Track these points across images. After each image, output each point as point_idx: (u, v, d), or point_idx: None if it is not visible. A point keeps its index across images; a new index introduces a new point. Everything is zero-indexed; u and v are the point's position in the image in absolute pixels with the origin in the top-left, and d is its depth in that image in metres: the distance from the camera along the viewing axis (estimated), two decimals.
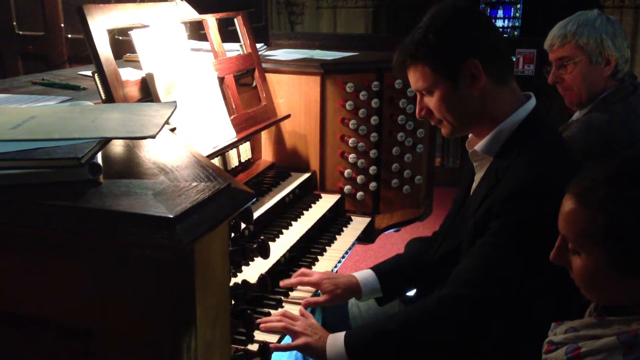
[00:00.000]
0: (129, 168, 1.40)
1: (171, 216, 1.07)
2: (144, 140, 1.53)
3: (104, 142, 1.32)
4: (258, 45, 2.87)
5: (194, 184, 1.24)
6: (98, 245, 1.13)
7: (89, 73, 2.44)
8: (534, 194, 1.68)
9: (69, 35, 5.13)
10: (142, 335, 1.13)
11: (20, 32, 5.29)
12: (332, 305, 2.22)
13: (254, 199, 1.28)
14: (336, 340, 1.83)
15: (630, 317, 1.37)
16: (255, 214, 2.32)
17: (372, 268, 2.19)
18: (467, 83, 1.79)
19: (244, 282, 1.54)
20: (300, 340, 1.85)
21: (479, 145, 1.88)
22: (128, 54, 2.87)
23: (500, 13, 10.41)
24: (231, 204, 1.22)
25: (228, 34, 2.85)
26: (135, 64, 2.29)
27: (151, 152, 1.47)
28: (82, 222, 1.10)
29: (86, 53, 2.00)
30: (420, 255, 2.19)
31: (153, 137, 1.34)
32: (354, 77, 2.82)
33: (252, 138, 2.69)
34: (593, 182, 1.35)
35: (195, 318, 1.15)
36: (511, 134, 1.81)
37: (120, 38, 3.13)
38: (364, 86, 2.82)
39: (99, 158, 1.29)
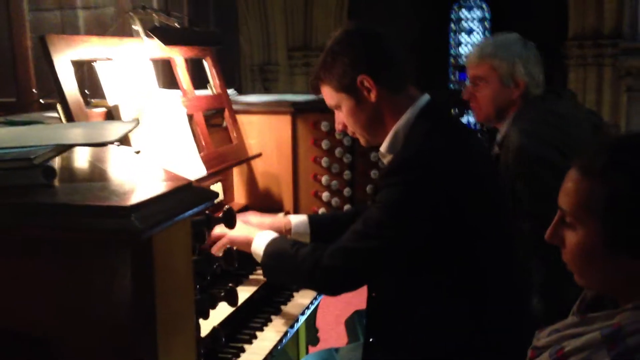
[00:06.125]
0: (88, 176, 1.35)
1: (126, 204, 1.02)
2: (106, 155, 1.49)
3: (61, 148, 1.28)
4: (229, 91, 2.87)
5: (155, 182, 1.19)
6: (52, 241, 1.07)
7: (55, 114, 2.41)
8: (406, 168, 1.83)
9: (42, 101, 5.12)
10: (101, 329, 1.06)
11: None
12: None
13: (217, 198, 1.24)
14: (265, 237, 2.05)
15: (612, 311, 1.32)
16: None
17: (308, 215, 2.38)
18: (363, 96, 1.94)
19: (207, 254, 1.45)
20: (224, 240, 2.10)
21: (382, 147, 2.00)
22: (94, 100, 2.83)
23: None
24: (192, 200, 1.17)
25: (198, 81, 2.85)
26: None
27: (113, 165, 1.43)
28: (31, 216, 1.04)
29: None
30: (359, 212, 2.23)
31: (113, 142, 1.31)
32: (325, 115, 2.80)
33: (224, 179, 2.65)
34: (595, 151, 1.35)
35: (155, 316, 1.08)
36: (409, 131, 1.93)
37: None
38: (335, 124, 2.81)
39: (56, 166, 1.25)
